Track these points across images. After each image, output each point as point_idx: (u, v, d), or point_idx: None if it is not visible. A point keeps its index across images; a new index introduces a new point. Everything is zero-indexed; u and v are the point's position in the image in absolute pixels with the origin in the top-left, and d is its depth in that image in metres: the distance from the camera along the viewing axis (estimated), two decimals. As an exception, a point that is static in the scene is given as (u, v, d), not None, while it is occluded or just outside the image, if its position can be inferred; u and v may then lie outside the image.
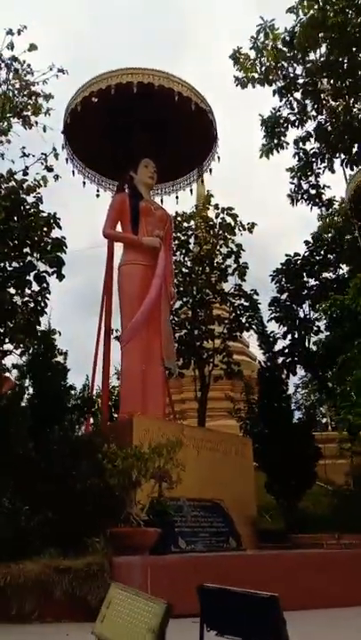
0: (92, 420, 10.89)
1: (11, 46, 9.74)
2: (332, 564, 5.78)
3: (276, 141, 10.41)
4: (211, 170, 10.59)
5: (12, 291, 11.83)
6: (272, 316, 11.82)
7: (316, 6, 8.36)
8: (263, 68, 10.07)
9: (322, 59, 9.68)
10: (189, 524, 6.69)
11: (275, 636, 1.62)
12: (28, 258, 11.53)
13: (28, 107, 9.41)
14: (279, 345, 11.89)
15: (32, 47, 9.58)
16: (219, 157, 10.39)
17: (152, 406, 8.24)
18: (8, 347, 12.21)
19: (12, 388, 10.23)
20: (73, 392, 7.36)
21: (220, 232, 13.48)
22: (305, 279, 11.99)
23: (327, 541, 7.07)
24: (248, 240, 13.52)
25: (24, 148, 9.98)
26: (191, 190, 10.94)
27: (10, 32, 9.60)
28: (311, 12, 8.42)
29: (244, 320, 13.01)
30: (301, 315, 11.92)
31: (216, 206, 13.82)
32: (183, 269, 13.16)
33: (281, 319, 11.53)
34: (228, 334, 13.06)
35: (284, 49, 9.16)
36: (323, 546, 7.07)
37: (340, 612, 5.12)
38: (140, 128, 9.67)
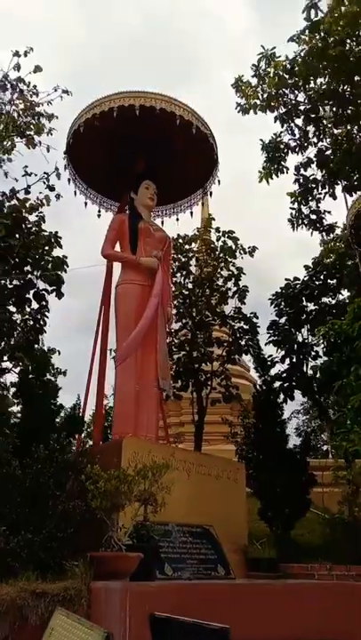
0: (90, 442, 10.79)
1: (17, 67, 9.96)
2: (317, 594, 5.61)
3: (275, 166, 10.47)
4: (211, 193, 10.67)
5: (12, 309, 11.91)
6: (270, 339, 11.75)
7: (317, 36, 8.48)
8: (265, 95, 10.16)
9: (323, 86, 9.78)
10: (177, 550, 6.54)
11: (223, 672, 1.53)
12: (29, 276, 11.63)
13: (31, 126, 9.55)
14: (277, 369, 11.82)
15: (37, 69, 9.78)
16: (219, 181, 10.49)
17: (145, 428, 8.14)
18: (7, 364, 12.23)
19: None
20: (63, 411, 7.27)
21: (221, 255, 13.54)
22: (304, 303, 11.96)
23: (318, 572, 6.89)
24: (250, 262, 13.56)
25: (26, 167, 10.14)
26: (191, 213, 10.98)
27: (17, 54, 9.82)
28: (313, 41, 8.55)
29: (243, 343, 13.00)
30: (300, 339, 11.86)
31: (217, 229, 13.94)
32: (184, 291, 13.18)
33: (279, 343, 11.46)
34: (227, 357, 13.00)
35: (286, 76, 9.27)
36: (314, 576, 6.89)
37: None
38: (141, 150, 9.78)
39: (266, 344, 11.97)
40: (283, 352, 11.53)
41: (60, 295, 11.38)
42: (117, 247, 9.42)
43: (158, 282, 8.76)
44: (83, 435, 10.85)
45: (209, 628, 1.62)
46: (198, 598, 4.89)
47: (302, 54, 8.74)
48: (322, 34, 8.63)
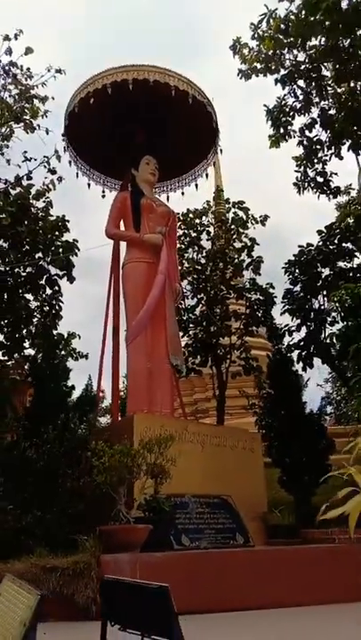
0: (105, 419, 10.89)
1: (9, 52, 9.89)
2: (336, 558, 5.60)
3: (282, 131, 10.19)
4: (215, 163, 10.48)
5: (29, 296, 12.04)
6: (285, 308, 11.58)
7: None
8: (262, 57, 9.85)
9: (323, 44, 9.42)
10: (194, 521, 6.60)
11: (165, 629, 1.53)
12: (40, 262, 11.70)
13: (26, 110, 9.50)
14: (296, 338, 11.65)
15: (28, 51, 9.69)
16: (221, 150, 10.30)
17: (159, 403, 8.19)
18: (30, 352, 12.41)
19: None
20: (76, 392, 7.36)
21: (233, 227, 13.34)
22: (319, 269, 11.71)
23: (338, 536, 6.86)
24: (268, 232, 13.36)
25: (26, 152, 10.13)
26: (196, 185, 10.82)
27: (7, 38, 9.74)
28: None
29: (260, 314, 12.86)
30: (316, 306, 11.65)
31: (227, 201, 13.72)
32: (197, 267, 13.07)
33: (294, 311, 11.29)
34: (245, 330, 12.89)
35: (280, 37, 8.95)
36: (334, 540, 6.87)
37: (341, 607, 4.95)
38: (140, 125, 9.65)
39: (281, 313, 11.82)
40: (298, 320, 11.33)
41: (71, 279, 11.45)
42: (122, 226, 9.42)
43: (163, 259, 8.71)
44: (99, 413, 10.96)
45: (150, 587, 1.62)
46: (208, 566, 4.93)
47: (294, 10, 8.42)
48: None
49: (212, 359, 12.86)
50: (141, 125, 9.64)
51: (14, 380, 10.02)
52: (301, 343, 11.29)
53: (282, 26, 8.79)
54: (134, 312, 8.52)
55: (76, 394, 8.74)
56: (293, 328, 11.43)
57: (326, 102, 9.99)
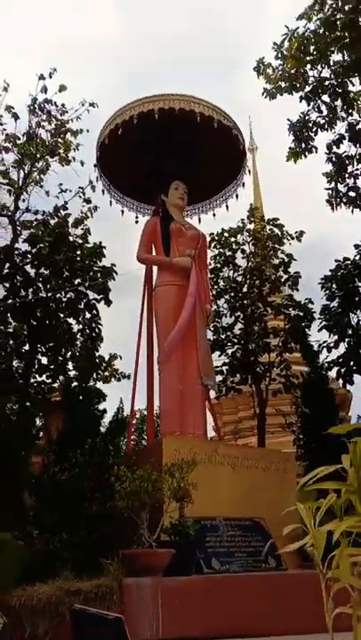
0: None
1: (44, 90, 10.42)
2: None
3: (303, 145, 10.20)
4: (244, 184, 10.58)
5: (71, 320, 12.49)
6: (322, 324, 11.45)
7: (326, 9, 8.21)
8: (287, 76, 9.93)
9: (347, 59, 9.41)
10: (225, 544, 6.61)
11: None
12: (80, 287, 12.13)
13: (59, 144, 9.95)
14: (334, 354, 11.48)
15: (62, 88, 10.20)
16: (249, 171, 10.40)
17: (192, 425, 8.27)
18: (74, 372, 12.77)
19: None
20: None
21: (269, 243, 13.37)
22: (356, 284, 11.52)
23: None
24: (309, 246, 13.31)
25: (61, 184, 10.60)
26: (227, 206, 10.94)
27: (41, 77, 10.28)
28: (320, 15, 8.27)
29: (300, 331, 12.75)
30: (355, 321, 11.45)
31: (262, 218, 13.77)
32: (233, 285, 13.15)
33: (331, 327, 11.14)
34: (284, 346, 12.82)
35: (302, 55, 9.02)
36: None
37: None
38: (169, 151, 9.89)
39: (319, 330, 11.68)
40: (335, 337, 11.17)
41: (108, 303, 11.81)
42: (154, 251, 9.64)
43: (193, 280, 8.85)
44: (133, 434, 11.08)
45: (107, 617, 1.72)
46: (234, 590, 4.95)
47: (312, 27, 8.48)
48: (330, 6, 8.35)
49: (251, 377, 12.85)
50: (170, 151, 9.87)
51: (53, 403, 10.35)
52: (340, 360, 11.11)
53: (304, 43, 8.84)
54: (166, 334, 8.68)
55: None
56: (332, 345, 11.27)
57: (354, 117, 9.93)
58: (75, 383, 8.56)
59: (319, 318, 11.60)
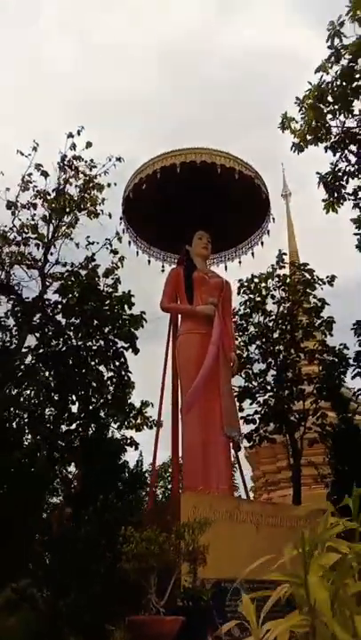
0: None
1: (73, 147, 10.84)
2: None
3: (336, 195, 10.16)
4: (268, 231, 10.59)
5: (102, 368, 12.58)
6: (356, 372, 11.06)
7: (342, 62, 8.30)
8: (307, 128, 10.01)
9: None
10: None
11: None
12: (110, 336, 12.27)
13: (86, 199, 10.26)
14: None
15: (88, 145, 10.57)
16: (273, 218, 10.42)
17: (216, 480, 8.02)
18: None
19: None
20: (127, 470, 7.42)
21: (301, 288, 13.22)
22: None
23: None
24: (339, 290, 13.08)
25: (89, 237, 10.86)
26: (253, 254, 10.95)
27: (70, 135, 10.69)
28: (336, 68, 8.37)
29: (335, 376, 12.37)
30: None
31: (292, 263, 13.67)
32: (264, 330, 12.98)
33: (365, 375, 10.74)
34: (318, 394, 12.44)
35: (321, 106, 9.09)
36: None
37: None
38: (192, 203, 10.05)
39: (353, 377, 11.29)
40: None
41: (135, 351, 11.84)
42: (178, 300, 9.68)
43: (216, 329, 8.79)
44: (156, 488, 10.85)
45: None
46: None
47: (329, 79, 8.55)
48: (349, 56, 8.42)
49: (285, 426, 12.48)
50: (194, 202, 10.03)
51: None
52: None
53: (321, 94, 8.92)
54: (188, 383, 8.58)
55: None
56: (366, 393, 10.85)
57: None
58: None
59: (352, 365, 11.24)
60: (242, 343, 13.13)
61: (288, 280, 13.21)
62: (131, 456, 12.83)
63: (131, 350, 11.59)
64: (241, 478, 10.04)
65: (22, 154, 10.05)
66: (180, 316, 9.53)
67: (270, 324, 13.04)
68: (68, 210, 10.52)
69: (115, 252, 10.97)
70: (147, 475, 8.84)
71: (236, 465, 9.63)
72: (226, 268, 11.14)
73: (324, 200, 10.50)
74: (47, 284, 10.57)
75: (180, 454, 9.39)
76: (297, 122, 10.11)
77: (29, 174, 10.22)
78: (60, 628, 4.99)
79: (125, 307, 11.97)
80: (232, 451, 8.95)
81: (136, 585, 5.13)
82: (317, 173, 10.46)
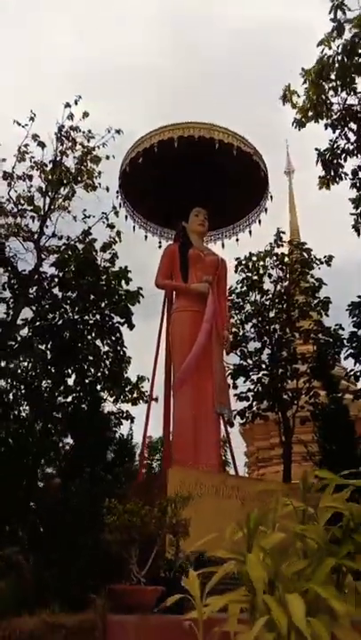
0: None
1: (70, 117, 10.68)
2: None
3: (333, 173, 10.05)
4: (267, 209, 10.50)
5: (99, 343, 12.62)
6: (348, 352, 11.09)
7: (344, 37, 8.13)
8: (313, 103, 9.85)
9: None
10: (228, 581, 6.41)
11: None
12: (106, 311, 12.28)
13: (83, 172, 10.16)
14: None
15: (85, 115, 10.44)
16: (271, 197, 10.32)
17: (204, 455, 8.13)
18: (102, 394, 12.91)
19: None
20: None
21: (298, 267, 13.18)
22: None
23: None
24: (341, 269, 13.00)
25: (85, 210, 10.79)
26: (250, 232, 10.87)
27: (67, 105, 10.54)
28: (338, 42, 8.19)
29: (329, 357, 12.43)
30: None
31: (290, 242, 13.59)
32: (260, 309, 12.99)
33: (357, 356, 10.77)
34: (312, 373, 12.50)
35: (322, 82, 8.93)
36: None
37: None
38: (190, 178, 9.94)
39: (345, 358, 11.33)
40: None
41: (131, 326, 11.88)
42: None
43: (210, 306, 8.80)
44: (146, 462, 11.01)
45: None
46: (224, 632, 4.76)
47: (331, 54, 8.37)
48: (355, 30, 8.23)
49: (278, 404, 12.58)
50: (192, 178, 9.92)
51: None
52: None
53: (322, 70, 8.75)
54: (181, 360, 8.63)
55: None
56: (359, 374, 10.89)
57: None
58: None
59: (346, 346, 11.27)
60: (238, 321, 13.14)
61: (286, 259, 13.16)
62: (127, 430, 13.03)
63: (126, 326, 11.63)
64: (231, 454, 10.17)
65: (19, 124, 9.94)
66: (174, 293, 9.51)
67: (267, 303, 13.04)
68: (65, 182, 10.43)
69: (111, 226, 10.91)
70: (136, 448, 8.96)
71: (228, 441, 9.73)
72: (223, 246, 11.09)
73: (320, 177, 10.41)
74: (43, 256, 10.55)
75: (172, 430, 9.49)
76: (299, 96, 9.95)
77: (26, 145, 10.12)
78: (44, 596, 5.13)
79: (122, 282, 11.98)
80: (222, 427, 9.05)
81: (118, 556, 5.26)
82: (316, 150, 10.34)
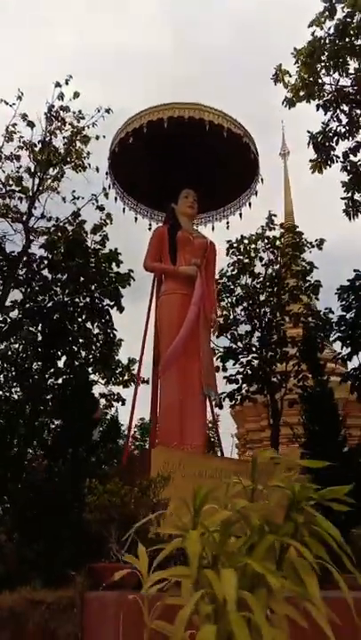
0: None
1: (60, 97, 10.58)
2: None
3: (324, 156, 10.01)
4: (257, 192, 10.43)
5: (88, 326, 12.65)
6: (336, 336, 11.16)
7: (337, 17, 8.04)
8: (305, 83, 9.78)
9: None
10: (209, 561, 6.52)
11: None
12: (96, 294, 12.28)
13: (72, 152, 10.09)
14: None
15: (75, 95, 10.34)
16: (262, 179, 10.25)
17: (190, 437, 8.19)
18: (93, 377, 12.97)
19: (99, 418, 10.77)
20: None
21: (289, 251, 13.18)
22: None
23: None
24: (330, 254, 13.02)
25: (74, 191, 10.74)
26: (240, 214, 10.82)
27: (58, 84, 10.44)
28: (329, 23, 8.10)
29: (318, 341, 12.49)
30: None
31: (281, 225, 13.56)
32: (251, 293, 13.01)
33: (345, 339, 10.83)
34: (301, 356, 12.58)
35: (314, 63, 8.85)
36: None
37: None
38: (180, 159, 9.86)
39: (333, 341, 11.40)
40: (348, 349, 10.85)
41: (120, 309, 11.89)
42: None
43: (198, 289, 8.78)
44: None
45: None
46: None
47: (322, 34, 8.28)
48: (347, 10, 8.14)
49: (266, 387, 12.68)
50: (182, 159, 9.84)
51: None
52: (354, 372, 10.81)
53: (314, 50, 8.67)
54: (167, 343, 8.63)
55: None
56: (346, 357, 10.97)
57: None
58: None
59: (334, 329, 11.33)
60: (228, 304, 13.17)
61: (277, 242, 13.15)
62: (121, 411, 13.15)
63: (116, 308, 11.65)
64: (217, 436, 10.26)
65: (7, 103, 9.82)
66: (163, 275, 9.49)
67: (257, 286, 13.07)
68: (54, 162, 10.36)
69: (101, 207, 10.87)
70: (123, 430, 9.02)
71: (214, 423, 9.80)
72: (213, 229, 11.04)
73: (311, 160, 10.39)
74: (32, 238, 10.52)
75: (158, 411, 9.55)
76: (291, 75, 9.88)
77: (14, 125, 10.03)
78: (26, 574, 5.22)
79: (113, 264, 11.96)
80: (209, 409, 9.11)
81: (99, 535, 5.34)
82: (308, 132, 10.29)
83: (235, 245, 13.10)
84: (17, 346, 12.21)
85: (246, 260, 12.83)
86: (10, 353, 11.98)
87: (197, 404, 8.52)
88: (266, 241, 13.10)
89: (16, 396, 11.66)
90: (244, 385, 12.82)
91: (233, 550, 1.61)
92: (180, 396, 8.38)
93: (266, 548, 1.61)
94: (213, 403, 9.13)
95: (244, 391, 12.81)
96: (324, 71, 9.37)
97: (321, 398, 8.48)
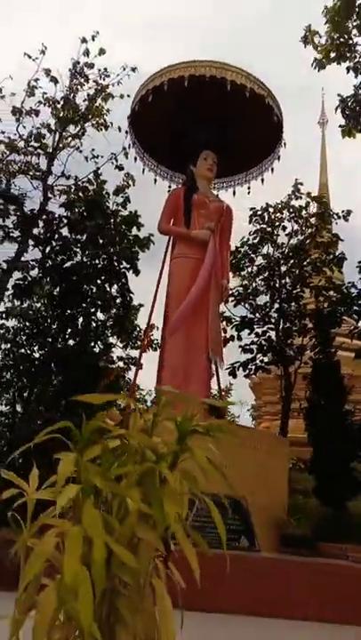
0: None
1: (86, 53, 10.43)
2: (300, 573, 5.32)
3: (352, 122, 9.62)
4: (279, 157, 10.14)
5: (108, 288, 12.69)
6: (353, 309, 10.91)
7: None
8: (336, 44, 9.37)
9: None
10: (199, 520, 6.59)
11: None
12: (114, 256, 12.29)
13: (92, 109, 9.97)
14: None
15: (101, 52, 10.16)
16: (285, 143, 9.94)
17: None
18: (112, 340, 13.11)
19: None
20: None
21: (313, 221, 12.86)
22: None
23: (351, 553, 6.49)
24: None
25: (93, 149, 10.65)
26: (263, 180, 10.55)
27: (84, 40, 10.27)
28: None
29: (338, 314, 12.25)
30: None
31: (308, 195, 13.18)
32: (271, 264, 12.80)
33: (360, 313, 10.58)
34: (313, 329, 12.38)
35: (343, 20, 8.42)
36: (348, 558, 6.51)
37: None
38: (202, 120, 9.64)
39: (349, 315, 11.15)
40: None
41: (136, 272, 11.88)
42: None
43: (210, 254, 8.67)
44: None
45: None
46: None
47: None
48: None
49: (281, 359, 12.56)
50: (203, 120, 9.62)
51: None
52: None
53: (343, 8, 8.25)
54: (176, 306, 8.61)
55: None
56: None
57: None
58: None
59: (354, 303, 11.08)
60: (248, 274, 13.01)
61: (303, 212, 12.83)
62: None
63: (132, 271, 11.65)
64: (220, 391, 10.25)
65: (30, 57, 9.75)
66: (176, 238, 9.40)
67: (280, 257, 12.83)
68: (75, 119, 10.27)
69: (120, 167, 10.78)
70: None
71: (219, 390, 9.76)
72: (234, 194, 10.79)
73: (340, 126, 10.02)
74: (50, 196, 10.54)
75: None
76: (321, 36, 9.49)
77: (36, 79, 9.96)
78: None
79: (134, 227, 11.90)
80: (214, 374, 9.07)
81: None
82: (338, 95, 9.90)
83: (259, 213, 12.84)
84: (37, 304, 12.39)
85: (269, 229, 12.58)
86: (31, 311, 12.17)
87: (202, 367, 8.51)
88: (291, 210, 12.78)
89: (37, 355, 11.89)
90: (259, 355, 12.72)
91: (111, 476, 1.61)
92: (185, 359, 8.38)
93: (143, 476, 1.61)
94: (219, 369, 9.09)
95: (258, 361, 12.72)
96: (355, 31, 8.91)
97: (327, 371, 8.35)
